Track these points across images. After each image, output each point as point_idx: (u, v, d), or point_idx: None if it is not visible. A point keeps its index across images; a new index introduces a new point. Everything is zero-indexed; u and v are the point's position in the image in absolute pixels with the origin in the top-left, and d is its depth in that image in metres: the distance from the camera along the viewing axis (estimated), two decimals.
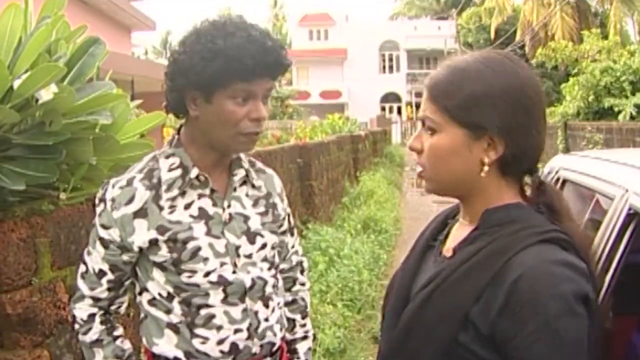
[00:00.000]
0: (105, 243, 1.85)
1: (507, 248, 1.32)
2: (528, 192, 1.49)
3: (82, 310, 1.93)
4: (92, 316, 1.93)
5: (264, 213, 1.98)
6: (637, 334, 2.42)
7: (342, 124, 17.98)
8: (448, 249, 1.50)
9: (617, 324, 2.23)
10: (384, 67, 52.47)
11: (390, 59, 52.32)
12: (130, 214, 1.80)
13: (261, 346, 1.92)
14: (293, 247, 2.20)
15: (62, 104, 2.06)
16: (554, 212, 1.42)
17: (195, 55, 1.70)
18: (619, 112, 15.86)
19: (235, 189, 1.93)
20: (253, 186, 1.99)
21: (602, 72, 16.96)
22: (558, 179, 2.68)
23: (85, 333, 1.93)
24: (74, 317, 1.95)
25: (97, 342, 1.93)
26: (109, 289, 1.92)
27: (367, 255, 7.51)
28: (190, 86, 1.74)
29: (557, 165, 2.82)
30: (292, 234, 2.18)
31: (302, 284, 2.28)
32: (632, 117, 15.33)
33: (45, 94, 1.97)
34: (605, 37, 22.76)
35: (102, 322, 1.95)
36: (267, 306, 1.94)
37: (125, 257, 1.86)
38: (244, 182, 1.96)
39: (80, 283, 1.93)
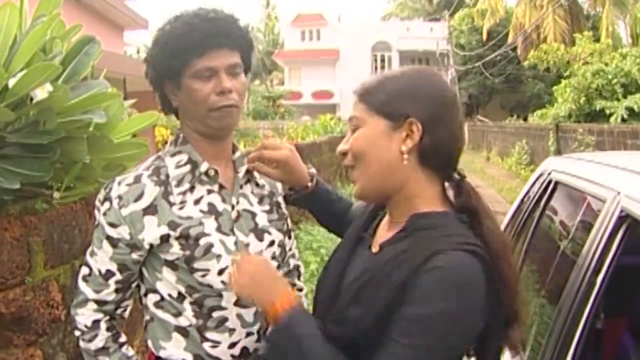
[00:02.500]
0: (113, 242, 1.80)
1: (429, 247, 1.41)
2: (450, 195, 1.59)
3: (85, 316, 1.87)
4: (96, 322, 1.87)
5: (269, 211, 1.99)
6: (627, 335, 2.44)
7: (334, 125, 18.00)
8: (375, 244, 1.61)
9: (608, 325, 2.25)
10: (376, 68, 52.42)
11: (383, 60, 52.33)
12: (139, 211, 1.77)
13: None
14: (290, 249, 2.18)
15: (57, 103, 2.05)
16: (473, 212, 1.53)
17: (155, 47, 1.78)
18: (611, 114, 15.90)
19: (241, 186, 1.94)
20: (257, 184, 2.00)
21: (594, 75, 17.00)
22: (550, 181, 2.69)
23: (90, 340, 1.86)
24: (75, 322, 1.88)
25: (103, 350, 1.87)
26: (116, 290, 1.86)
27: None
28: (163, 79, 1.81)
29: (548, 167, 2.84)
30: (289, 237, 2.15)
31: (300, 290, 2.26)
32: (623, 120, 15.38)
33: (40, 93, 1.97)
34: (597, 39, 22.83)
35: (107, 329, 1.88)
36: None
37: (134, 256, 1.81)
38: (248, 180, 1.98)
39: (83, 286, 1.87)
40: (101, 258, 1.83)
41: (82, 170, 2.37)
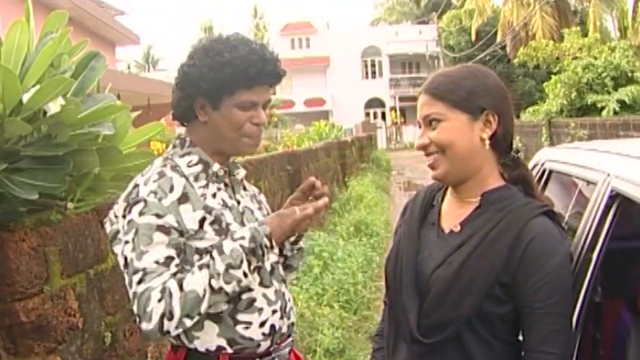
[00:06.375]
0: (165, 230, 1.83)
1: (520, 218, 1.74)
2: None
3: (153, 298, 1.77)
4: (165, 284, 1.79)
5: (259, 208, 2.18)
6: (626, 310, 2.51)
7: (329, 131, 18.08)
8: (455, 225, 1.85)
9: (607, 301, 2.33)
10: (366, 73, 52.60)
11: (373, 65, 52.46)
12: (175, 201, 1.87)
13: (288, 326, 2.07)
14: None
15: (69, 116, 2.13)
16: (528, 183, 1.88)
17: (205, 67, 1.90)
18: (602, 108, 16.00)
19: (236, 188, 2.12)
20: (244, 188, 2.18)
21: (584, 69, 17.11)
22: (544, 170, 2.77)
23: (180, 287, 1.79)
24: (147, 311, 1.77)
25: (202, 267, 1.83)
26: (174, 274, 1.80)
27: (360, 258, 7.60)
28: (200, 94, 1.93)
29: (542, 157, 2.92)
30: None
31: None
32: (615, 113, 15.47)
33: (54, 107, 2.04)
34: (585, 34, 22.91)
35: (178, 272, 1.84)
36: (286, 287, 2.12)
37: (182, 240, 1.87)
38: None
39: (143, 288, 1.78)
40: (156, 251, 1.81)
41: (92, 182, 2.44)
